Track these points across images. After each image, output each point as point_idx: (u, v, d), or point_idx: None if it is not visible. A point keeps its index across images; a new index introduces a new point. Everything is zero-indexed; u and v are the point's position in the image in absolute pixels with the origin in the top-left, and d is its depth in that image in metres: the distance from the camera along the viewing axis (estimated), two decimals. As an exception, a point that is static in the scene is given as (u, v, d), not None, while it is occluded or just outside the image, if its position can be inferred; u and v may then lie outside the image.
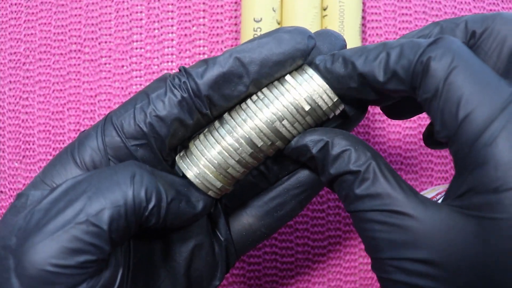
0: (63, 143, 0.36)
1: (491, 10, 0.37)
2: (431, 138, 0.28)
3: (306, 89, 0.24)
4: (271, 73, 0.23)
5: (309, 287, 0.36)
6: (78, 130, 0.36)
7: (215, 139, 0.24)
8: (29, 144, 0.36)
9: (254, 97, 0.24)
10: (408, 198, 0.21)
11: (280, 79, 0.24)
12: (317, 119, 0.24)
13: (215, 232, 0.27)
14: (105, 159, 0.23)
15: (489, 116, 0.20)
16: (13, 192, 0.36)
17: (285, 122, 0.24)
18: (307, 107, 0.24)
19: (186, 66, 0.24)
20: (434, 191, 0.34)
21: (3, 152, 0.36)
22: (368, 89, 0.23)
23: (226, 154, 0.24)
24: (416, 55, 0.21)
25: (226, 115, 0.24)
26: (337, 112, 0.25)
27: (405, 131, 0.37)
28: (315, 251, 0.36)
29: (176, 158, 0.25)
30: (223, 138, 0.24)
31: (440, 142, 0.22)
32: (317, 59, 0.24)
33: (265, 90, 0.24)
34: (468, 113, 0.20)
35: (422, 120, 0.37)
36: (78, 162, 0.23)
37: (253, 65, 0.23)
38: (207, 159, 0.24)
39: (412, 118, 0.36)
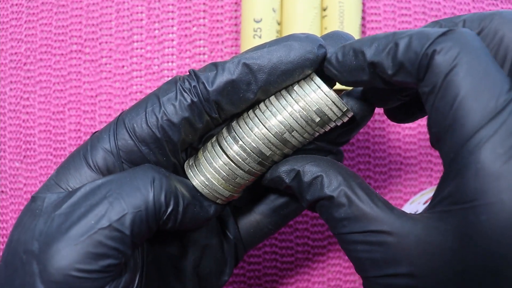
0: (63, 143, 0.36)
1: (490, 10, 0.37)
2: (397, 112, 0.27)
3: (315, 100, 0.24)
4: (279, 82, 0.23)
5: (309, 286, 0.36)
6: (79, 130, 0.36)
7: (223, 149, 0.24)
8: (29, 144, 0.36)
9: (262, 106, 0.24)
10: (384, 215, 0.21)
11: (288, 87, 0.24)
12: (326, 127, 0.25)
13: (225, 231, 0.28)
14: (118, 162, 0.23)
15: (479, 122, 0.19)
16: (14, 192, 0.36)
17: (294, 133, 0.24)
18: (317, 119, 0.24)
19: (191, 68, 0.24)
20: (433, 191, 0.34)
21: (4, 152, 0.36)
22: (379, 80, 0.23)
23: (234, 165, 0.24)
24: (424, 48, 0.20)
25: (234, 124, 0.24)
26: (346, 119, 0.25)
27: (404, 131, 0.37)
28: (315, 251, 0.36)
29: (185, 166, 0.25)
30: (230, 148, 0.24)
31: (403, 116, 0.23)
32: (328, 52, 0.24)
33: (273, 99, 0.24)
34: (459, 116, 0.19)
35: (422, 121, 0.37)
36: (91, 165, 0.23)
37: (262, 73, 0.23)
38: (214, 170, 0.24)
39: (411, 118, 0.36)
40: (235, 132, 0.24)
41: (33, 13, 0.37)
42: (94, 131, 0.36)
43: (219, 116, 0.24)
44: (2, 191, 0.36)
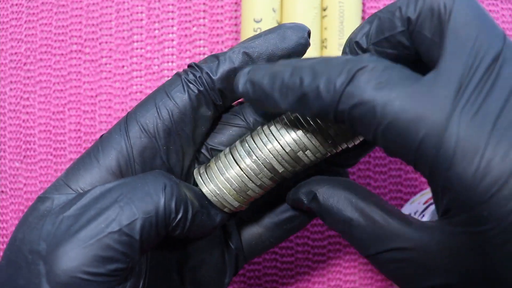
0: (63, 143, 0.36)
1: (490, 10, 0.37)
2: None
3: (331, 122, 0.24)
4: None
5: (309, 287, 0.36)
6: (79, 130, 0.36)
7: (236, 160, 0.24)
8: (29, 144, 0.36)
9: (278, 123, 0.24)
10: (403, 231, 0.21)
11: None
12: (338, 148, 0.25)
13: (227, 241, 0.28)
14: (131, 161, 0.23)
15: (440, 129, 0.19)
16: (14, 192, 0.36)
17: (308, 152, 0.24)
18: (330, 140, 0.24)
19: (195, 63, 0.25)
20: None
21: (4, 152, 0.36)
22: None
23: (247, 177, 0.24)
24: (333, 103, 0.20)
25: (248, 138, 0.25)
26: (357, 142, 0.25)
27: (405, 131, 0.37)
28: (315, 251, 0.36)
29: (195, 173, 0.25)
30: (243, 160, 0.24)
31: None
32: (240, 86, 0.24)
33: (287, 115, 0.24)
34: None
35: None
36: (103, 165, 0.23)
37: (261, 60, 0.24)
38: (227, 179, 0.24)
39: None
40: (249, 146, 0.24)
41: (33, 13, 0.37)
42: (94, 131, 0.36)
43: (223, 103, 0.25)
44: (2, 191, 0.36)
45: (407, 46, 0.22)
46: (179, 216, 0.22)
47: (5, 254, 0.22)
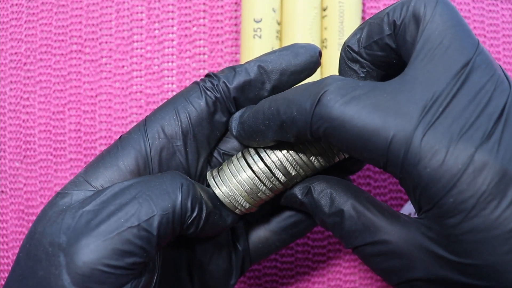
0: (63, 143, 0.36)
1: (490, 10, 0.37)
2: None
3: None
4: (289, 81, 0.26)
5: (309, 286, 0.36)
6: (79, 130, 0.36)
7: (249, 164, 0.25)
8: (29, 144, 0.36)
9: None
10: (389, 225, 0.23)
11: None
12: (346, 154, 0.26)
13: (235, 243, 0.29)
14: (149, 160, 0.25)
15: (406, 139, 0.20)
16: (14, 192, 0.36)
17: (319, 157, 0.25)
18: (335, 150, 0.26)
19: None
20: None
21: (4, 152, 0.36)
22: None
23: (258, 180, 0.25)
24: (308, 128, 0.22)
25: None
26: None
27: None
28: (314, 251, 0.36)
29: (208, 175, 0.26)
30: (257, 164, 0.25)
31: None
32: (234, 130, 0.26)
33: None
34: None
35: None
36: (121, 165, 0.24)
37: (275, 73, 0.26)
38: (239, 182, 0.25)
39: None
40: (264, 149, 0.26)
41: (33, 13, 0.37)
42: (94, 131, 0.36)
43: (236, 111, 0.26)
44: (2, 191, 0.36)
45: (393, 48, 0.24)
46: (194, 214, 0.23)
47: (23, 247, 0.23)
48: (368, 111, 0.21)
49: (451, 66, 0.21)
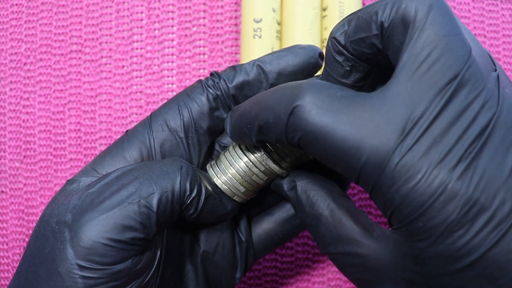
0: (63, 143, 0.36)
1: (490, 10, 0.37)
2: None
3: None
4: (287, 82, 0.26)
5: (309, 286, 0.36)
6: (79, 130, 0.36)
7: (244, 151, 0.26)
8: (29, 144, 0.36)
9: None
10: (363, 238, 0.23)
11: None
12: None
13: (238, 233, 0.30)
14: (152, 151, 0.26)
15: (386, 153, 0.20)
16: (14, 192, 0.36)
17: None
18: None
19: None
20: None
21: (4, 152, 0.36)
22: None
23: (251, 163, 0.26)
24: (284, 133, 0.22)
25: None
26: None
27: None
28: (315, 251, 0.36)
29: (207, 167, 0.27)
30: (249, 148, 0.26)
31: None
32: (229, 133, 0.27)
33: None
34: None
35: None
36: (127, 154, 0.26)
37: (272, 74, 0.27)
38: (233, 167, 0.26)
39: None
40: None
41: (33, 13, 0.37)
42: (94, 131, 0.36)
43: None
44: (2, 191, 0.36)
45: (380, 49, 0.23)
46: (193, 195, 0.25)
47: (34, 231, 0.24)
48: (343, 129, 0.20)
49: (436, 82, 0.20)
